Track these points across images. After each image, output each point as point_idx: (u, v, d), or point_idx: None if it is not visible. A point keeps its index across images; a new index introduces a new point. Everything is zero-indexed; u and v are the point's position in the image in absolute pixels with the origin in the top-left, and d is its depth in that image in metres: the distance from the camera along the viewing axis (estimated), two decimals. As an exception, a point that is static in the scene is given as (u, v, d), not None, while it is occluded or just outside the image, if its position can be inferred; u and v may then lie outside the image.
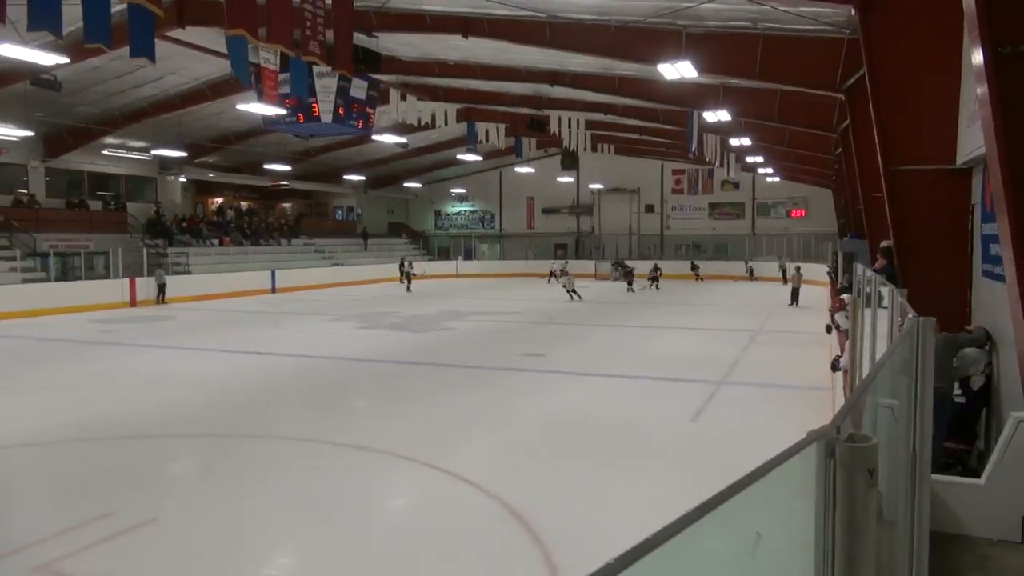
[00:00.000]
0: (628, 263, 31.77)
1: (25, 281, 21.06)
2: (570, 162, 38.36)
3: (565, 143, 25.59)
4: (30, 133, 21.28)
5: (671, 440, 7.37)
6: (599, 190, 39.79)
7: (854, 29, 9.81)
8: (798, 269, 23.01)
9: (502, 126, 25.47)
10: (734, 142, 22.28)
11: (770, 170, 31.78)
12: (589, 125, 25.32)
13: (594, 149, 28.46)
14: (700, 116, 18.67)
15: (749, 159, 27.47)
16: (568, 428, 7.82)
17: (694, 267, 33.86)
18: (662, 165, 38.76)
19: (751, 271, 33.81)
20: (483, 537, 4.93)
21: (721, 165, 26.97)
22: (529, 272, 36.51)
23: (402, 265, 30.47)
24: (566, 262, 33.55)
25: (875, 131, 7.31)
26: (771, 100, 16.40)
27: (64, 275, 22.87)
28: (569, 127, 24.06)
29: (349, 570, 4.48)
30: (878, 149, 7.28)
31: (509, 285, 31.64)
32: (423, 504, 5.76)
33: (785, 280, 30.94)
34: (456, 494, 5.79)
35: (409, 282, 29.38)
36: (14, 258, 21.68)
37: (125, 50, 12.35)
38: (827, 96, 13.34)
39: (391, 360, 12.30)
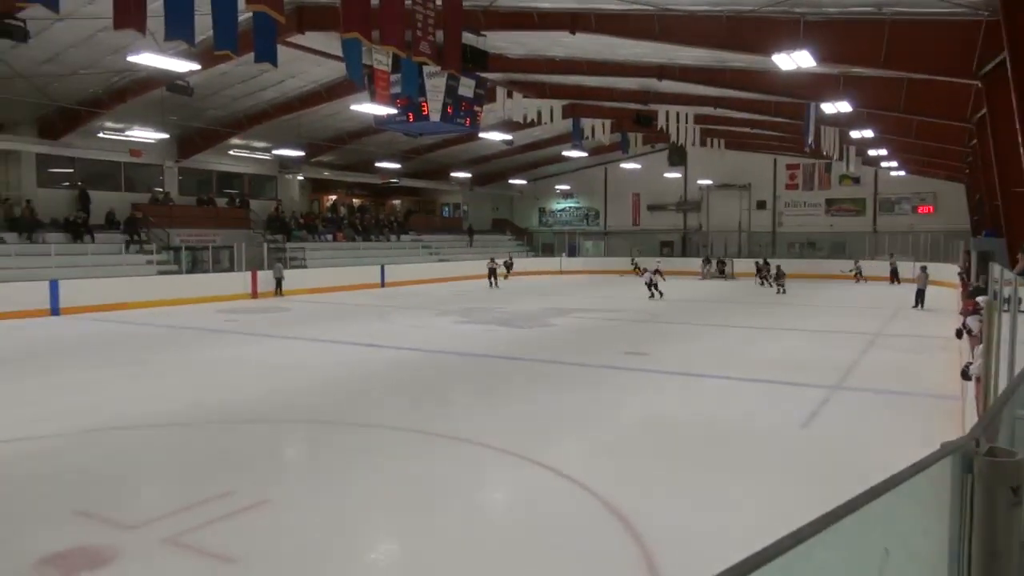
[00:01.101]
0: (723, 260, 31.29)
1: (160, 273, 22.71)
2: (677, 157, 37.51)
3: (672, 138, 25.02)
4: (165, 136, 22.93)
5: (780, 446, 7.06)
6: (707, 186, 38.72)
7: (993, 10, 9.06)
8: (924, 269, 21.54)
9: (608, 122, 25.21)
10: (854, 134, 21.12)
11: (894, 164, 29.90)
12: (698, 119, 24.67)
13: (703, 144, 27.68)
14: (818, 108, 17.79)
15: (871, 152, 25.95)
16: (671, 429, 7.64)
17: (766, 267, 31.04)
18: (775, 160, 37.25)
19: (859, 272, 30.82)
20: (582, 534, 4.88)
21: (840, 159, 25.61)
22: (633, 269, 36.00)
23: (492, 268, 29.88)
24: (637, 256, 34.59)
25: (1017, 120, 6.71)
26: (897, 89, 15.42)
27: (194, 268, 24.50)
28: (677, 122, 23.50)
29: (449, 559, 4.54)
30: (1020, 140, 6.68)
31: (613, 282, 31.33)
32: (522, 498, 5.77)
33: (893, 280, 29.35)
34: (556, 490, 5.77)
35: (495, 279, 29.27)
36: (151, 252, 23.43)
37: (250, 56, 13.10)
38: (961, 83, 12.41)
39: (493, 355, 12.43)
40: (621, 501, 5.36)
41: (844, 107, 16.16)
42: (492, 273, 29.30)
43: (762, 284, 29.02)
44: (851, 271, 30.99)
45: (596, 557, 4.54)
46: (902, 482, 1.02)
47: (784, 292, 25.34)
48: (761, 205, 38.79)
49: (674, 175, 38.82)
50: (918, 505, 1.13)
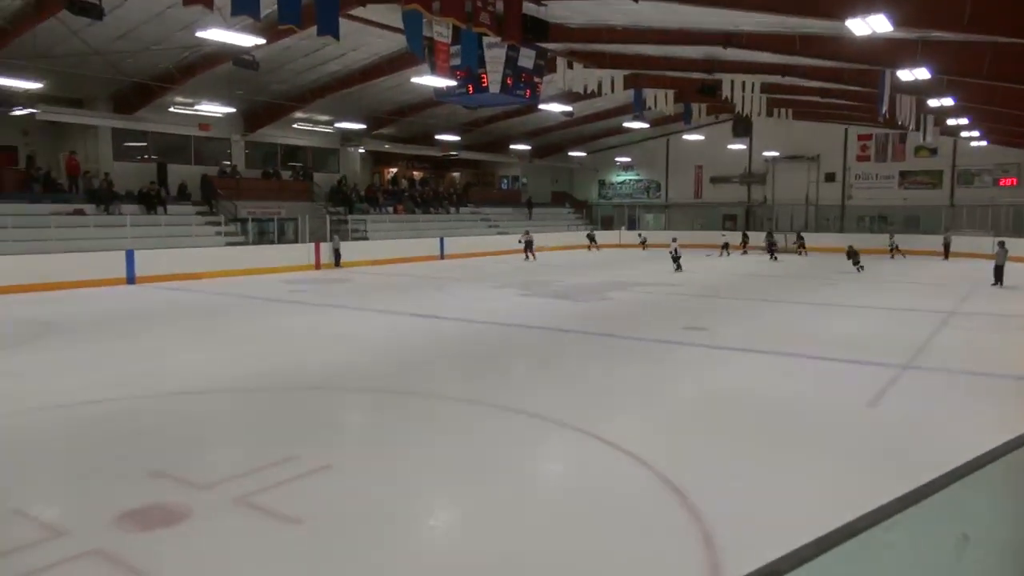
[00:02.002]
0: (774, 235, 30.83)
1: (228, 244, 23.43)
2: (742, 128, 36.38)
3: (738, 108, 24.27)
4: (232, 110, 23.48)
5: (845, 425, 6.88)
6: (773, 158, 37.58)
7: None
8: (1002, 244, 20.49)
9: (670, 92, 24.61)
10: (932, 103, 20.09)
11: (975, 133, 28.42)
12: (765, 88, 23.86)
13: (769, 114, 26.81)
14: (893, 75, 16.97)
15: (950, 122, 24.71)
16: (731, 405, 7.52)
17: (799, 238, 31.36)
18: (846, 130, 35.85)
19: (895, 246, 30.10)
20: (638, 509, 4.88)
21: (916, 129, 24.43)
22: (695, 243, 35.45)
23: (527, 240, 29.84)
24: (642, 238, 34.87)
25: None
26: (981, 54, 14.59)
27: (259, 239, 25.18)
28: (743, 91, 22.78)
29: (505, 528, 4.60)
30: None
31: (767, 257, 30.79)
32: (579, 470, 5.79)
33: (946, 255, 28.82)
34: (613, 463, 5.76)
35: (531, 252, 29.06)
36: (219, 223, 24.17)
37: (313, 30, 13.26)
38: (1052, 47, 11.64)
39: (551, 327, 12.44)
40: (679, 477, 5.32)
41: (922, 74, 15.38)
42: (528, 246, 29.23)
43: (773, 258, 28.62)
44: (888, 246, 29.98)
45: (652, 532, 4.53)
46: (981, 467, 0.98)
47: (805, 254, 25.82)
48: (830, 177, 37.47)
49: (738, 146, 37.75)
50: (997, 491, 1.08)
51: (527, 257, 28.74)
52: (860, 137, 36.23)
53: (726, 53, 19.90)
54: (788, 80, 22.24)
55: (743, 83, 22.69)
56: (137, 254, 19.93)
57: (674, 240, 25.46)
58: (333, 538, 4.44)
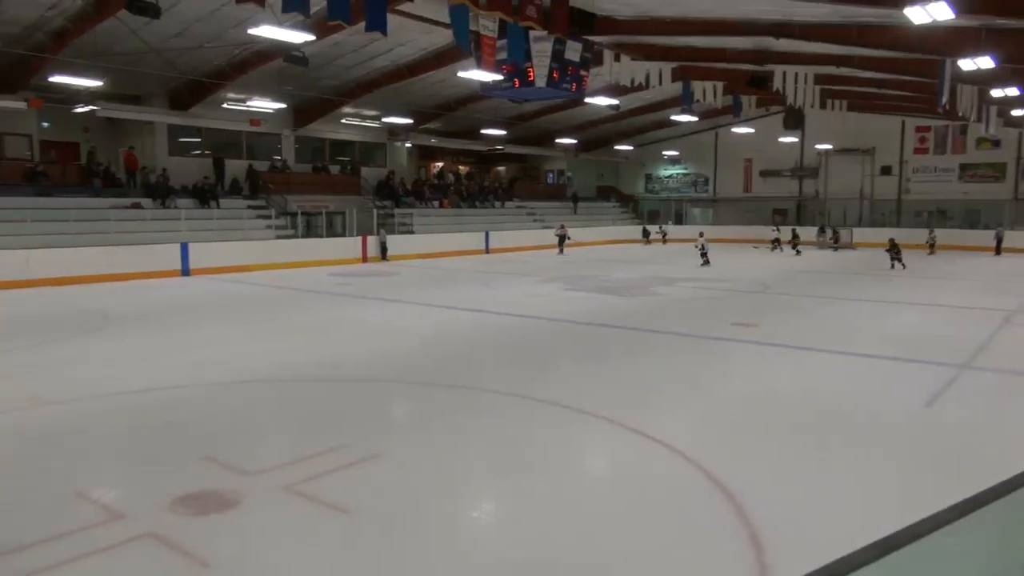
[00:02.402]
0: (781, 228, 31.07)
1: (278, 237, 23.90)
2: (794, 121, 35.45)
3: (789, 100, 23.75)
4: (283, 105, 23.93)
5: (900, 426, 6.68)
6: (826, 151, 36.64)
7: None
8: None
9: (720, 84, 24.20)
10: (996, 93, 19.36)
11: (1042, 125, 27.30)
12: (818, 80, 23.28)
13: (822, 106, 26.15)
14: (954, 64, 16.38)
15: (1015, 112, 23.76)
16: (781, 404, 7.37)
17: (795, 236, 30.44)
18: (903, 122, 34.74)
19: (933, 241, 28.80)
20: (684, 507, 4.82)
21: (978, 120, 23.58)
22: (743, 238, 34.87)
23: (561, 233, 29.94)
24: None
25: None
26: (1049, 41, 13.97)
27: (308, 232, 25.61)
28: (795, 83, 22.27)
29: (549, 522, 4.60)
30: None
31: (721, 251, 30.37)
32: (624, 466, 5.75)
33: (998, 251, 27.92)
34: (658, 460, 5.71)
35: (562, 246, 29.22)
36: (269, 217, 24.67)
37: (362, 26, 13.41)
38: None
39: (596, 323, 12.37)
40: (727, 476, 5.24)
41: (985, 63, 14.81)
42: (561, 240, 29.28)
43: (773, 250, 29.38)
44: (927, 241, 28.88)
45: (698, 531, 4.48)
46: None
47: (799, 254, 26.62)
48: (886, 171, 36.37)
49: (790, 139, 36.85)
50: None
51: (561, 251, 28.96)
52: (918, 129, 35.08)
53: (778, 44, 19.45)
54: (843, 71, 21.65)
55: (795, 74, 22.17)
56: (191, 247, 20.47)
57: (701, 235, 25.27)
58: (379, 527, 4.49)
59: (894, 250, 22.63)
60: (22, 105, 19.58)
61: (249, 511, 4.70)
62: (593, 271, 21.76)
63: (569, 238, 29.70)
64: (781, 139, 36.46)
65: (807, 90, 22.92)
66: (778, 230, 31.18)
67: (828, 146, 36.09)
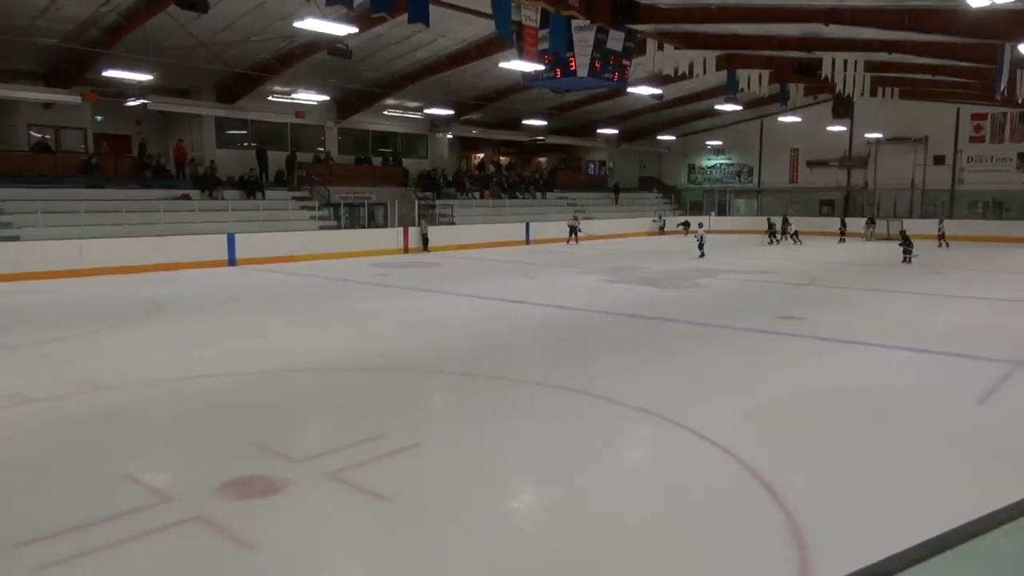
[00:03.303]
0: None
1: (321, 228, 24.23)
2: (843, 109, 34.63)
3: (838, 88, 23.14)
4: (326, 97, 24.18)
5: (951, 423, 6.49)
6: (876, 140, 35.65)
7: None
8: None
9: (765, 72, 23.69)
10: (1058, 79, 18.58)
11: (1107, 112, 26.13)
12: (868, 67, 22.63)
13: (873, 94, 25.43)
14: (1013, 49, 15.76)
15: (1078, 99, 22.75)
16: (827, 399, 7.22)
17: (785, 223, 30.47)
18: (958, 109, 33.60)
19: (943, 234, 27.42)
20: (726, 502, 4.76)
21: (1038, 107, 22.69)
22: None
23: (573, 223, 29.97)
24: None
25: None
26: (1116, 24, 13.34)
27: (351, 223, 25.91)
28: (844, 70, 21.67)
29: (590, 515, 4.58)
30: None
31: (765, 242, 29.86)
32: (664, 459, 5.70)
33: None
34: (699, 454, 5.64)
35: (574, 236, 29.24)
36: (313, 208, 25.03)
37: (404, 18, 13.49)
38: None
39: (638, 315, 12.28)
40: (769, 471, 5.16)
41: (1047, 47, 14.24)
42: (572, 231, 29.29)
43: (771, 243, 28.92)
44: (937, 232, 27.69)
45: (740, 526, 4.42)
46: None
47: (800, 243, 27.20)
48: (939, 160, 35.25)
49: (838, 128, 35.97)
50: None
51: (575, 241, 29.07)
52: (974, 116, 33.89)
53: (827, 30, 18.96)
54: (895, 57, 21.00)
55: (845, 61, 21.58)
56: (238, 237, 20.89)
57: (700, 226, 25.01)
58: (418, 515, 4.54)
59: (906, 243, 21.57)
60: (77, 99, 20.16)
61: (293, 497, 4.78)
62: (634, 262, 21.59)
63: (581, 230, 29.60)
64: (829, 128, 35.61)
65: (857, 77, 22.30)
66: (771, 222, 30.71)
67: (878, 135, 35.12)
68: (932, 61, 21.11)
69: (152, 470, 5.44)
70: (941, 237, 27.50)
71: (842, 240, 29.46)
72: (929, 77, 24.49)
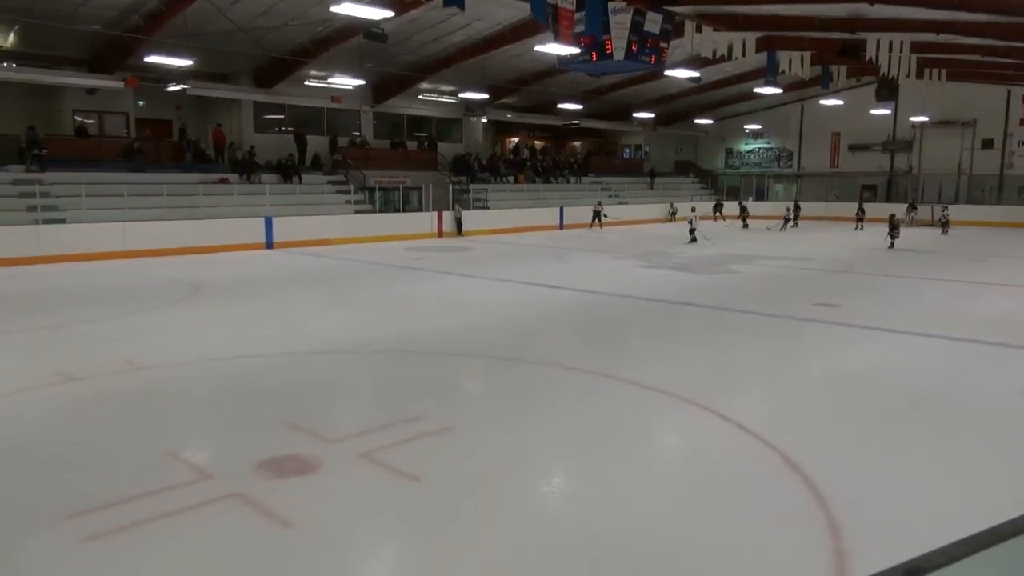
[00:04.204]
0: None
1: (357, 212, 24.43)
2: (887, 92, 33.58)
3: (883, 70, 22.53)
4: (362, 82, 24.28)
5: (994, 415, 6.33)
6: (922, 123, 34.65)
7: None
8: None
9: (807, 54, 23.13)
10: (1116, 59, 17.83)
11: None
12: (915, 47, 21.94)
13: (919, 76, 24.64)
14: (1069, 28, 15.18)
15: None
16: (864, 388, 7.09)
17: (743, 209, 30.86)
18: (1008, 92, 32.48)
19: (945, 219, 26.83)
20: (760, 490, 4.71)
21: (1094, 89, 21.81)
22: (828, 215, 33.59)
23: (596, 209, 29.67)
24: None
25: None
26: None
27: (386, 208, 26.07)
28: (889, 51, 21.05)
29: (621, 501, 4.58)
30: None
31: (803, 228, 29.34)
32: (698, 447, 5.67)
33: None
34: (733, 441, 5.59)
35: (597, 221, 29.06)
36: (348, 192, 25.23)
37: (439, 1, 13.45)
38: None
39: (671, 300, 12.18)
40: (804, 459, 5.09)
41: (1105, 26, 13.66)
42: (596, 215, 29.08)
43: (783, 229, 28.33)
44: (939, 219, 26.93)
45: (773, 515, 4.37)
46: None
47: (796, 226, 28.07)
48: (987, 144, 34.16)
49: (882, 111, 34.90)
50: None
51: (600, 226, 28.88)
52: (1025, 99, 32.79)
53: (872, 10, 18.43)
54: (943, 38, 20.33)
55: (890, 42, 20.96)
56: (275, 221, 21.17)
57: (693, 210, 24.62)
58: (450, 497, 4.58)
59: (893, 228, 21.69)
60: (119, 85, 20.54)
61: (328, 476, 4.87)
62: (668, 248, 21.39)
63: (606, 215, 29.32)
64: (872, 111, 34.59)
65: (903, 59, 21.68)
66: (788, 208, 30.45)
67: (924, 118, 34.12)
68: (982, 41, 20.40)
69: (192, 448, 5.58)
70: (944, 224, 26.82)
71: (859, 227, 28.60)
72: (978, 58, 23.68)
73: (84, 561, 3.84)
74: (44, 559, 3.83)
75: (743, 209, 31.27)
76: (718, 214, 33.64)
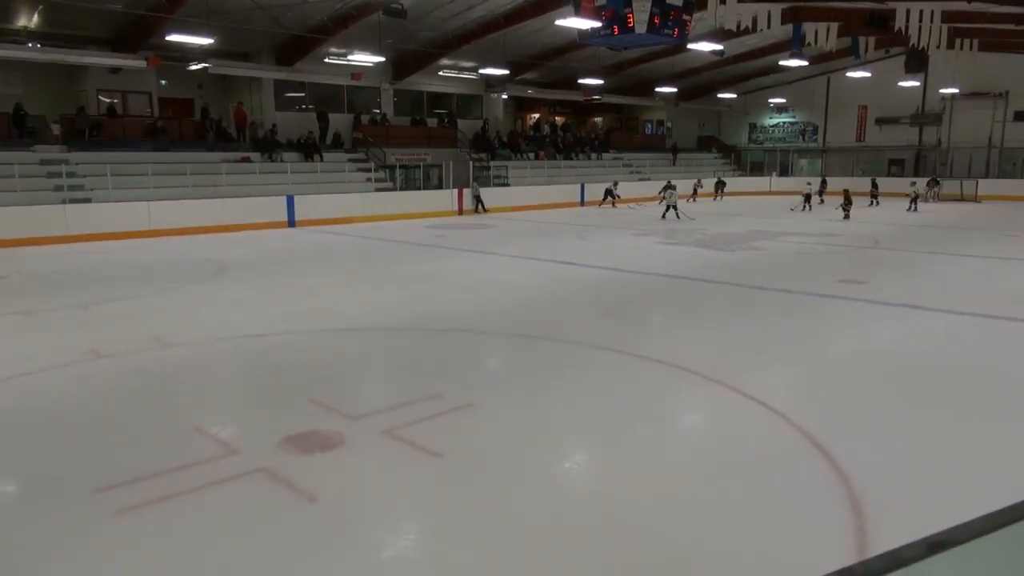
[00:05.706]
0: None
1: (377, 190, 24.47)
2: (916, 63, 32.89)
3: (912, 41, 22.02)
4: (382, 59, 24.18)
5: (1020, 393, 6.25)
6: (952, 95, 33.86)
7: None
8: None
9: (834, 25, 22.66)
10: None
11: None
12: (946, 17, 21.42)
13: (950, 46, 24.09)
14: (1108, -5, 14.70)
15: None
16: (889, 365, 7.02)
17: (719, 185, 31.33)
18: (1043, 62, 31.63)
19: (937, 193, 26.80)
20: (782, 467, 4.70)
21: None
22: (854, 191, 32.96)
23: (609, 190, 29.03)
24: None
25: None
26: None
27: (406, 185, 26.08)
28: (919, 20, 20.59)
29: (643, 478, 4.60)
30: None
31: (829, 204, 28.91)
32: (720, 423, 5.66)
33: None
34: (756, 418, 5.58)
35: (609, 199, 28.56)
36: (369, 169, 25.26)
37: (458, -26, 13.29)
38: None
39: (695, 277, 12.10)
40: (827, 437, 5.07)
41: None
42: (608, 194, 28.57)
43: (805, 208, 26.42)
44: (932, 193, 26.82)
45: (795, 492, 4.37)
46: None
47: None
48: (1020, 116, 33.32)
49: (911, 83, 34.19)
50: None
51: (612, 205, 28.42)
52: (1060, 69, 31.87)
53: (901, -21, 17.99)
54: (975, 6, 19.82)
55: (920, 12, 20.49)
56: (296, 199, 21.28)
57: (671, 186, 24.23)
58: (471, 474, 4.63)
59: (846, 202, 22.76)
60: (142, 63, 20.66)
61: (351, 452, 4.93)
62: (691, 225, 21.21)
63: (619, 195, 28.83)
64: (901, 83, 33.91)
65: (933, 29, 21.17)
66: (809, 184, 28.61)
67: (954, 90, 33.33)
68: (1016, 10, 19.83)
69: (218, 424, 5.67)
70: (914, 200, 26.30)
71: (874, 203, 27.88)
72: (1012, 27, 23.05)
73: (116, 533, 3.94)
74: (79, 532, 3.93)
75: (720, 184, 31.87)
76: (719, 192, 32.95)
